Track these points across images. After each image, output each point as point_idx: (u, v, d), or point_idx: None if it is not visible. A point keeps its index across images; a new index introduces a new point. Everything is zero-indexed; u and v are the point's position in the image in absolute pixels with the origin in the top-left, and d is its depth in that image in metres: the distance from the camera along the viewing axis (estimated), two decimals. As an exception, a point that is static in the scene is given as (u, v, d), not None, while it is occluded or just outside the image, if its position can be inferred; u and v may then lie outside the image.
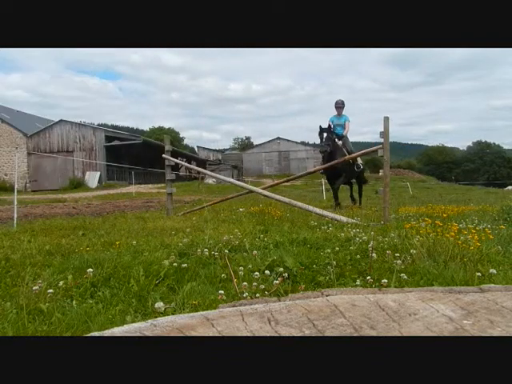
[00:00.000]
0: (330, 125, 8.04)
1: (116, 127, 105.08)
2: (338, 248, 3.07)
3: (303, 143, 51.12)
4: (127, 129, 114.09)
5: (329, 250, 2.94)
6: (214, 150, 53.34)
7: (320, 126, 7.94)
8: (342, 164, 7.37)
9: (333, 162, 6.94)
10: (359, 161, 8.46)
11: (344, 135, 8.33)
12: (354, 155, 7.24)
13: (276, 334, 0.98)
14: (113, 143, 31.25)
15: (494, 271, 2.22)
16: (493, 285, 1.45)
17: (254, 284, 2.12)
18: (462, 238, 2.76)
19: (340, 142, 8.14)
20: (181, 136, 67.79)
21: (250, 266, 2.52)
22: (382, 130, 5.20)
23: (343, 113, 8.46)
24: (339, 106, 8.33)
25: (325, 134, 7.81)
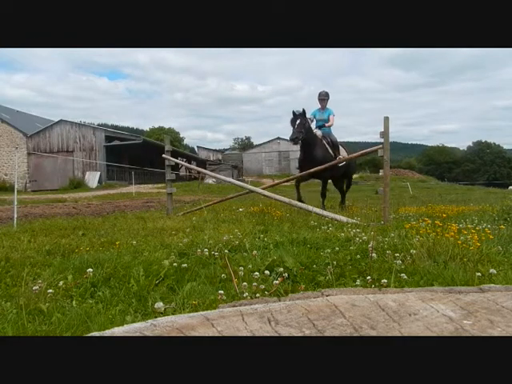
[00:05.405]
0: (304, 111, 6.88)
1: (116, 127, 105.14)
2: (337, 248, 3.07)
3: (303, 143, 51.04)
4: (127, 129, 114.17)
5: (329, 250, 2.94)
6: (214, 150, 53.38)
7: (293, 112, 6.81)
8: (322, 157, 6.79)
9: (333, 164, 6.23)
10: (343, 153, 7.48)
11: (326, 126, 7.42)
12: (353, 155, 6.58)
13: (276, 334, 0.98)
14: (113, 143, 31.24)
15: (494, 271, 2.22)
16: (493, 285, 1.45)
17: (253, 284, 2.11)
18: (461, 238, 2.76)
19: (319, 132, 7.23)
20: (181, 136, 67.75)
21: (250, 266, 2.52)
22: (383, 130, 5.20)
23: (327, 106, 7.51)
24: (323, 98, 7.41)
25: (298, 121, 6.69)
